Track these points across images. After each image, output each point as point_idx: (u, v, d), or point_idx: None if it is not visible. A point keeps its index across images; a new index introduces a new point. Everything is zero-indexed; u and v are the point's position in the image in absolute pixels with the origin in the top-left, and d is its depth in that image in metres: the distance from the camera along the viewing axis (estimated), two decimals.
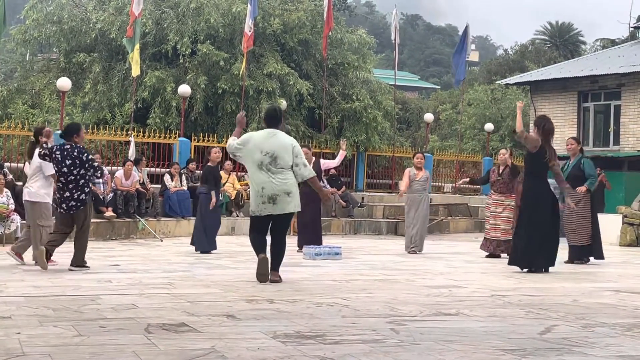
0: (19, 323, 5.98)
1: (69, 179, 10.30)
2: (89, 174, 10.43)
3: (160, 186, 19.10)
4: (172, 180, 18.91)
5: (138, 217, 17.63)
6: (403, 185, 15.28)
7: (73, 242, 10.53)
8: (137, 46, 20.66)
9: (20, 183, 16.24)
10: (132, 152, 19.48)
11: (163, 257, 12.86)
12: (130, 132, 20.55)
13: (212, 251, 13.76)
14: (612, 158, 25.08)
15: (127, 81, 23.45)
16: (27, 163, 14.87)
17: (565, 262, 12.81)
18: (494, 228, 13.96)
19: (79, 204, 10.32)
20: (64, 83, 19.82)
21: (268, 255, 9.12)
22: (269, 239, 9.29)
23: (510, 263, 11.42)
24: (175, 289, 8.45)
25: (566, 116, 27.48)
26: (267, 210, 9.08)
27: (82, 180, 10.34)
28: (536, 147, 11.15)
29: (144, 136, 20.93)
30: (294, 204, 9.17)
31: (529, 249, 11.07)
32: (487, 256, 13.91)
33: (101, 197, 17.30)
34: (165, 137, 21.10)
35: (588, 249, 13.11)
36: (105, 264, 11.24)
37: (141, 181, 18.37)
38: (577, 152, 13.34)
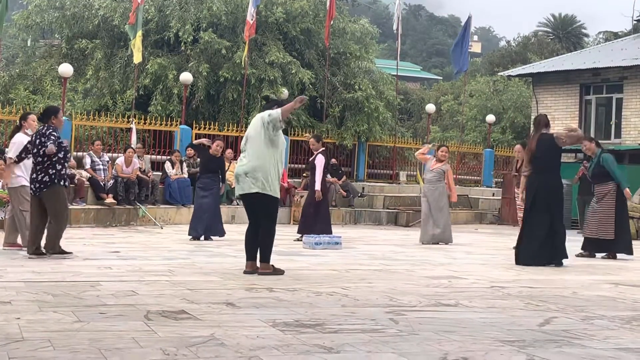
0: (19, 308, 5.99)
1: (37, 160, 10.19)
2: (59, 154, 10.15)
3: (161, 174, 19.13)
4: (173, 168, 18.92)
5: (138, 204, 17.65)
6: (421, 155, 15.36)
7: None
8: (140, 33, 20.63)
9: None
10: (134, 140, 19.50)
11: (163, 245, 12.87)
12: (131, 119, 20.54)
13: (211, 237, 13.96)
14: (614, 151, 24.99)
15: (129, 68, 23.43)
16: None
17: (579, 255, 12.77)
18: None
19: (42, 185, 10.11)
20: (66, 69, 19.80)
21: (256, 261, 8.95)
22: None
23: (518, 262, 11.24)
24: (175, 276, 8.46)
25: (568, 109, 27.44)
26: (237, 190, 9.05)
27: (48, 162, 10.11)
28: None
29: (145, 123, 20.92)
30: (251, 184, 8.66)
31: (536, 245, 11.03)
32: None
33: (102, 183, 17.34)
34: (166, 125, 21.08)
35: (609, 244, 12.87)
36: (105, 250, 11.25)
37: (142, 168, 18.39)
38: (595, 150, 13.22)
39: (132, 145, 18.84)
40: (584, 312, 6.73)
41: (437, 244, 14.67)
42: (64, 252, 10.20)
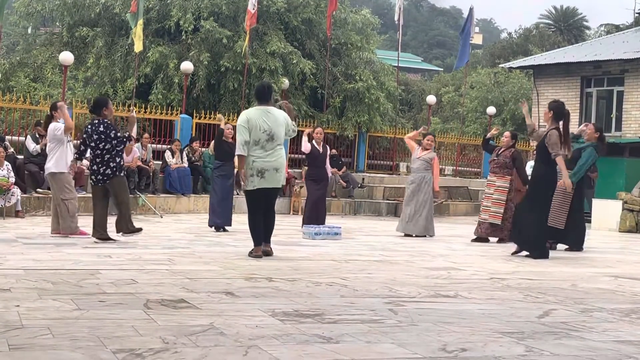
0: (19, 296, 5.99)
1: (96, 152, 10.70)
2: (118, 148, 10.74)
3: (161, 163, 19.12)
4: (173, 157, 18.92)
5: (138, 193, 17.64)
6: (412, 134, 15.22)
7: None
8: (141, 22, 20.60)
9: (21, 156, 16.27)
10: (135, 129, 19.46)
11: (163, 234, 12.88)
12: (132, 107, 20.49)
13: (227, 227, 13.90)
14: (614, 144, 25.03)
15: (129, 57, 23.40)
16: (26, 137, 14.94)
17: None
18: (484, 210, 13.75)
19: (105, 177, 10.69)
20: (67, 57, 19.77)
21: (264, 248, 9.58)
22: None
23: (511, 239, 11.26)
24: (175, 265, 8.46)
25: (569, 101, 27.36)
26: (253, 183, 9.41)
27: (108, 155, 10.67)
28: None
29: (145, 112, 20.90)
30: (279, 179, 9.54)
31: (533, 235, 10.97)
32: (474, 240, 13.62)
33: None
34: (166, 114, 21.07)
35: (563, 234, 12.46)
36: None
37: (144, 159, 18.39)
38: (592, 139, 12.80)
39: (133, 134, 18.80)
40: (583, 304, 6.73)
41: (411, 235, 14.26)
42: (136, 230, 11.06)
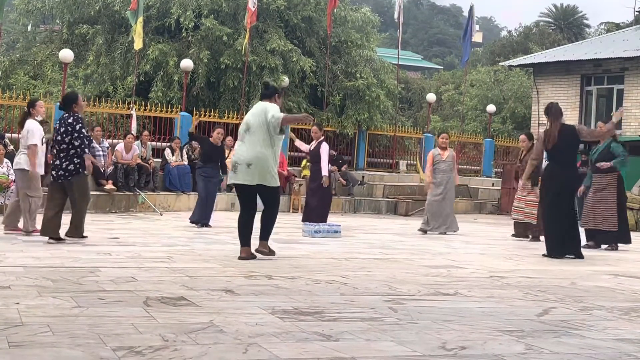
0: (18, 293, 5.99)
1: (61, 147, 10.24)
2: (83, 145, 10.25)
3: (160, 160, 19.13)
4: (173, 155, 18.92)
5: (138, 190, 17.65)
6: (428, 172, 15.17)
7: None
8: (141, 19, 20.59)
9: None
10: (134, 126, 19.49)
11: (162, 231, 12.88)
12: (131, 105, 20.51)
13: (208, 224, 14.02)
14: None
15: (129, 54, 23.38)
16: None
17: (585, 247, 12.06)
18: (516, 210, 14.27)
19: (67, 174, 10.20)
20: (66, 54, 19.76)
21: (252, 250, 9.13)
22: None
23: (548, 254, 10.96)
24: (174, 263, 8.46)
25: (569, 99, 27.40)
26: (232, 178, 9.12)
27: (73, 151, 10.20)
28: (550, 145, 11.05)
29: (145, 110, 20.89)
30: (252, 176, 8.86)
31: (558, 238, 10.93)
32: (513, 235, 14.51)
33: (101, 169, 17.33)
34: (166, 112, 21.06)
35: (611, 235, 12.86)
36: (105, 236, 11.25)
37: (144, 156, 18.39)
38: (607, 136, 12.96)
39: (132, 132, 18.83)
40: (582, 302, 6.73)
41: (445, 233, 14.68)
42: (83, 236, 10.41)
